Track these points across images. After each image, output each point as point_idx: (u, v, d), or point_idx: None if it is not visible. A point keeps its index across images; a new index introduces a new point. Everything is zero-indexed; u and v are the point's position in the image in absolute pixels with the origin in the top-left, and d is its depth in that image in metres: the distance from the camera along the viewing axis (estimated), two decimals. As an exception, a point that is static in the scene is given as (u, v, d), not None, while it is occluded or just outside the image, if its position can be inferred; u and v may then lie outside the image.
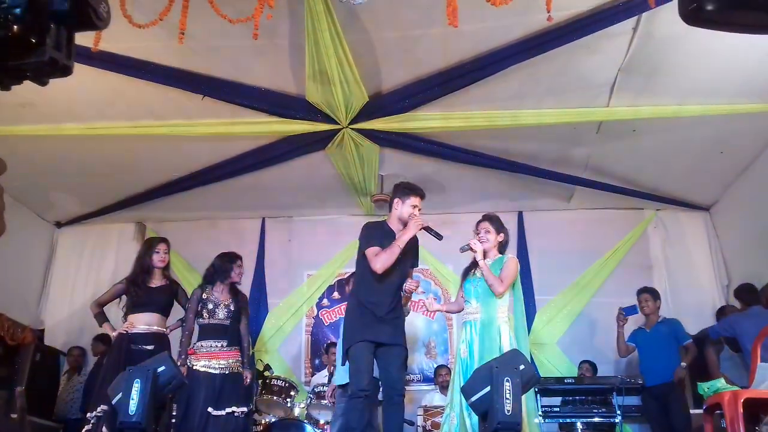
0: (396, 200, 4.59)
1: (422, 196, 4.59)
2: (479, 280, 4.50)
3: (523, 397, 3.98)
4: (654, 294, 6.48)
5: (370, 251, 4.38)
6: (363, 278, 4.49)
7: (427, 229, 4.45)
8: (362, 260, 4.48)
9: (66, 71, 0.80)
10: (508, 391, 3.45)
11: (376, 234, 4.48)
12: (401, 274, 4.46)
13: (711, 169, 6.86)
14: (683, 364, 6.02)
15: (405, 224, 4.47)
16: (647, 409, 6.22)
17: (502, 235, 4.66)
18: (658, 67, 5.19)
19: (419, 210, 4.51)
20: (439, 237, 4.47)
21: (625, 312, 6.42)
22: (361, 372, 4.24)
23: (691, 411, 6.02)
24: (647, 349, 6.28)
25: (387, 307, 4.35)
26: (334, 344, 6.97)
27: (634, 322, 6.59)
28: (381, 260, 4.32)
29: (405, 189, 4.61)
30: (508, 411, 3.43)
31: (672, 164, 6.77)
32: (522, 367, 3.64)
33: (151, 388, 3.81)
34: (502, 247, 4.68)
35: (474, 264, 4.59)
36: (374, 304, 4.36)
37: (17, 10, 0.75)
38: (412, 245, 4.55)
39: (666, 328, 6.28)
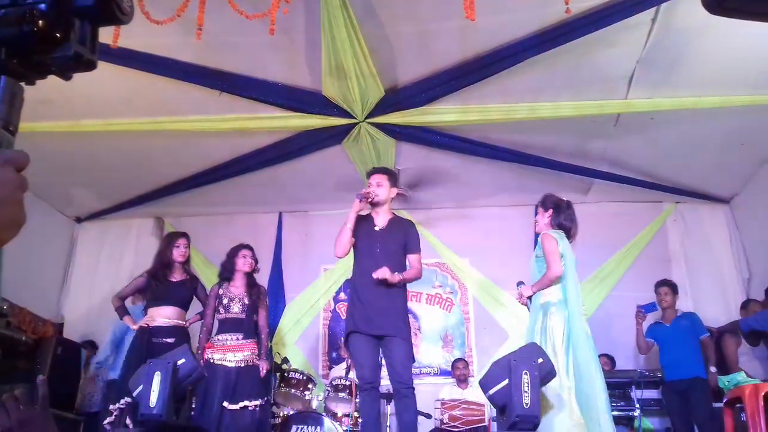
0: None
1: (376, 172, 4.65)
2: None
3: (600, 391, 3.96)
4: (673, 287, 6.40)
5: None
6: (353, 269, 4.53)
7: (365, 195, 4.41)
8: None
9: (90, 65, 0.81)
10: (526, 384, 3.44)
11: (359, 224, 4.51)
12: (387, 261, 4.33)
13: (731, 162, 6.78)
14: (712, 369, 5.95)
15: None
16: (669, 403, 6.17)
17: (550, 212, 4.61)
18: (677, 58, 5.14)
19: (378, 184, 4.51)
20: (369, 196, 4.43)
21: (644, 309, 6.35)
22: (361, 365, 4.27)
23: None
24: (668, 343, 6.22)
25: (374, 297, 4.28)
26: None
27: (650, 317, 6.53)
28: (334, 244, 4.39)
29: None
30: (527, 404, 3.43)
31: (691, 156, 6.70)
32: (540, 360, 3.64)
33: (172, 381, 3.86)
34: (557, 226, 4.57)
35: None
36: (362, 293, 4.34)
37: (42, 6, 0.76)
38: (401, 230, 4.52)
39: (686, 322, 6.21)
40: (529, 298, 4.46)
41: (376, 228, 4.46)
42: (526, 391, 3.46)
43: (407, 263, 4.49)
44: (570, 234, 4.54)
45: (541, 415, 3.51)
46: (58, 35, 0.78)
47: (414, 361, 4.46)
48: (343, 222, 4.46)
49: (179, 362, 3.98)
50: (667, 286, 6.40)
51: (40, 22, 0.77)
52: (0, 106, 0.78)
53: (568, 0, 3.71)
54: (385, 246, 4.42)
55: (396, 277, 4.20)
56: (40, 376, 1.48)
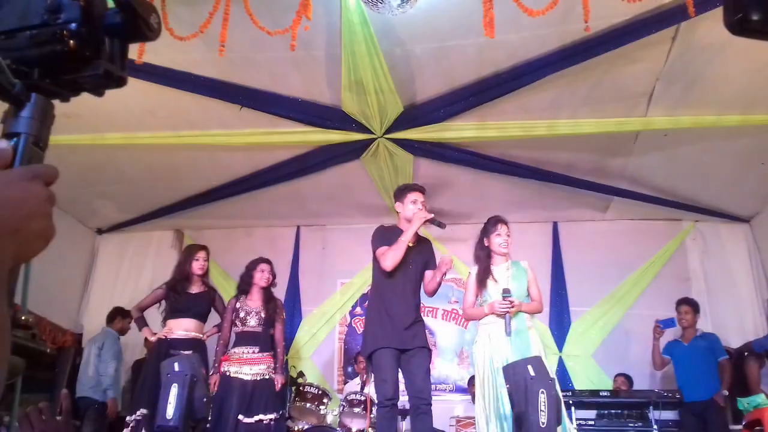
0: (396, 204, 4.63)
1: (419, 190, 4.59)
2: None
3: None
4: (694, 306, 6.33)
5: (379, 251, 4.42)
6: (379, 282, 4.50)
7: (431, 220, 4.41)
8: (375, 263, 4.50)
9: (121, 82, 0.83)
10: (543, 404, 3.42)
11: (386, 235, 4.49)
12: (416, 277, 4.45)
13: (751, 181, 6.71)
14: (724, 391, 5.87)
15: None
16: (686, 425, 6.09)
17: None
18: (697, 76, 5.12)
19: (422, 203, 4.50)
20: (442, 226, 4.47)
21: (662, 325, 6.30)
22: (385, 381, 4.23)
23: (731, 427, 5.89)
24: (685, 363, 6.15)
25: (404, 312, 4.32)
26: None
27: (669, 333, 6.46)
28: (389, 257, 4.33)
29: (400, 190, 4.67)
30: (543, 423, 3.41)
31: (711, 175, 6.66)
32: (553, 377, 3.62)
33: (188, 394, 3.88)
34: None
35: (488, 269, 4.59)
36: (391, 308, 4.34)
37: (72, 25, 0.78)
38: (426, 248, 4.58)
39: (705, 343, 6.14)
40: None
41: (409, 244, 4.48)
42: (543, 410, 3.43)
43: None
44: None
45: None
46: (88, 54, 0.80)
47: (431, 376, 4.49)
48: (380, 233, 4.52)
49: (176, 368, 3.99)
50: (689, 305, 6.33)
51: (71, 41, 0.79)
52: (31, 122, 0.80)
53: (587, 18, 3.71)
54: (416, 263, 4.47)
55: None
56: (64, 390, 1.51)
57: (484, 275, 4.56)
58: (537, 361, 3.86)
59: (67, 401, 1.54)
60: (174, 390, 3.86)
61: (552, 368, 4.24)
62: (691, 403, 5.97)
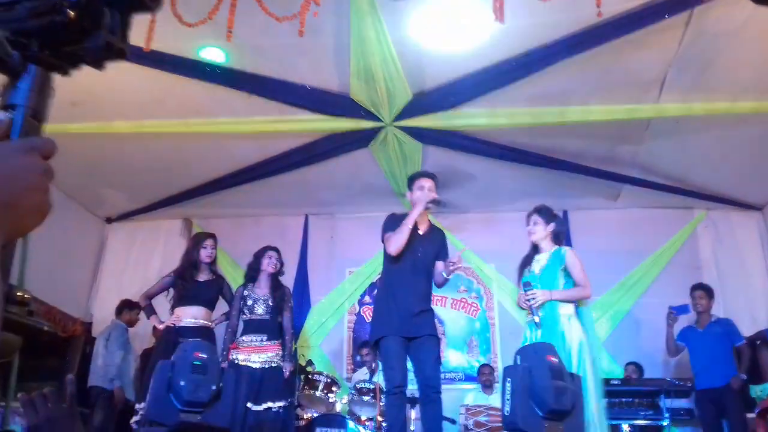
0: (407, 193, 4.62)
1: (428, 176, 4.56)
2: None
3: (594, 395, 3.93)
4: (709, 291, 6.27)
5: (386, 236, 4.42)
6: (387, 270, 4.49)
7: (433, 201, 4.39)
8: (384, 251, 4.50)
9: (121, 54, 0.81)
10: (507, 392, 3.40)
11: (396, 222, 4.45)
12: (425, 266, 4.40)
13: (764, 168, 6.64)
14: (743, 376, 5.79)
15: None
16: (701, 412, 6.04)
17: (552, 225, 4.53)
18: (710, 62, 5.06)
19: (429, 188, 4.45)
20: (438, 203, 4.43)
21: (676, 311, 6.23)
22: (393, 368, 4.21)
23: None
24: (700, 349, 6.09)
25: (412, 300, 4.28)
26: (365, 343, 7.02)
27: (683, 320, 6.41)
28: (391, 241, 4.33)
29: (410, 179, 4.65)
30: (507, 412, 3.37)
31: (723, 163, 6.59)
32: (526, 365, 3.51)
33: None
34: (555, 238, 4.53)
35: (529, 259, 4.54)
36: (399, 296, 4.32)
37: None
38: (438, 237, 4.53)
39: (720, 329, 6.07)
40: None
41: (419, 231, 4.45)
42: (507, 399, 3.40)
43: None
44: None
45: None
46: (88, 25, 0.78)
47: (440, 364, 4.45)
48: (389, 220, 4.47)
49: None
50: (703, 290, 6.27)
51: (71, 12, 0.76)
52: (29, 94, 0.78)
53: (599, 3, 3.65)
54: (426, 250, 4.43)
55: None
56: (69, 375, 1.49)
57: (521, 266, 4.57)
58: (530, 349, 3.74)
59: (72, 387, 1.53)
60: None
61: (588, 359, 4.09)
62: (706, 389, 5.91)
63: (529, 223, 4.59)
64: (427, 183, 4.48)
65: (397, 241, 4.31)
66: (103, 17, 0.80)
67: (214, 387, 3.34)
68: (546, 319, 4.22)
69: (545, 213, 4.59)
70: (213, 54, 5.05)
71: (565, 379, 3.36)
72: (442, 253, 4.51)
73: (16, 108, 0.78)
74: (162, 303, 5.54)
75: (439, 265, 4.43)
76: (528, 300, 4.26)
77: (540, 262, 4.48)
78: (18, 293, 0.78)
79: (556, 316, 4.21)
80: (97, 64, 0.85)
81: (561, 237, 4.58)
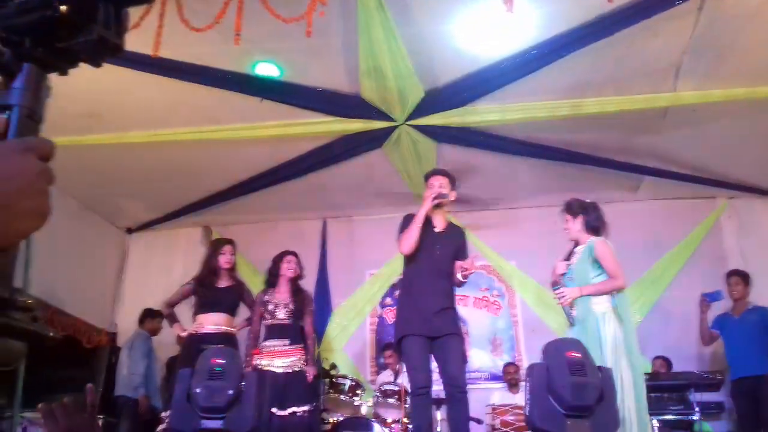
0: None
1: (437, 173, 4.53)
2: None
3: (632, 392, 3.84)
4: (744, 277, 6.12)
5: (400, 237, 4.40)
6: (407, 270, 4.46)
7: (438, 196, 4.34)
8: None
9: (117, 50, 0.79)
10: (528, 391, 3.38)
11: (408, 222, 4.42)
12: (444, 263, 4.33)
13: (786, 154, 6.53)
14: None
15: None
16: (736, 401, 5.93)
17: (581, 217, 4.40)
18: (726, 48, 4.97)
19: (439, 185, 4.41)
20: (443, 196, 4.36)
21: (708, 298, 6.10)
22: (416, 369, 4.16)
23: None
24: (735, 337, 5.96)
25: (433, 299, 4.23)
26: (389, 346, 6.99)
27: (719, 308, 6.28)
28: (402, 240, 4.32)
29: (424, 179, 4.63)
30: (527, 411, 3.37)
31: (744, 149, 6.48)
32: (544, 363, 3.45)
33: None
34: (591, 229, 4.37)
35: (569, 254, 4.45)
36: (419, 295, 4.27)
37: None
38: (457, 235, 4.47)
39: (756, 317, 5.92)
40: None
41: (436, 230, 4.42)
42: (528, 398, 3.36)
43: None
44: (602, 235, 4.38)
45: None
46: (80, 19, 0.76)
47: (467, 362, 4.38)
48: (405, 220, 4.42)
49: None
50: (738, 276, 6.14)
51: (63, 7, 0.75)
52: (24, 94, 0.76)
53: (610, -11, 3.61)
54: (444, 248, 4.37)
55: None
56: (89, 384, 1.48)
57: (564, 261, 4.45)
58: (552, 346, 3.64)
59: (92, 396, 1.52)
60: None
61: (624, 354, 3.98)
62: (741, 378, 5.80)
63: (564, 221, 4.51)
64: (436, 181, 4.45)
65: (407, 240, 4.29)
66: (96, 11, 0.78)
67: (231, 392, 3.32)
68: (579, 315, 4.15)
69: (572, 207, 4.50)
70: (267, 70, 5.22)
71: (589, 374, 3.28)
72: (461, 251, 4.44)
73: (11, 109, 0.76)
74: (185, 311, 5.56)
75: (456, 266, 4.37)
76: (557, 299, 4.23)
77: (576, 255, 4.38)
78: (21, 298, 0.76)
79: (588, 312, 4.11)
80: (93, 60, 0.83)
81: (598, 226, 4.38)
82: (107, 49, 0.80)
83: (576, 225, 4.41)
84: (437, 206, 4.42)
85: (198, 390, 3.33)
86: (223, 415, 3.28)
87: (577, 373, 3.23)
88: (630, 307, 4.61)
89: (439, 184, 4.43)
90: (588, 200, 4.55)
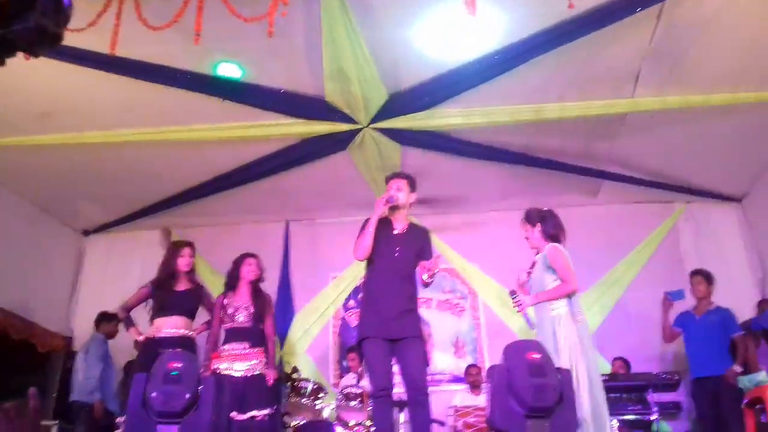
0: None
1: (393, 177, 4.48)
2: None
3: (587, 392, 3.89)
4: (708, 277, 6.13)
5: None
6: (367, 272, 4.40)
7: (388, 199, 4.30)
8: None
9: (56, 39, 0.76)
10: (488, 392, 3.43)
11: (364, 227, 4.39)
12: (405, 266, 4.27)
13: (742, 160, 6.70)
14: (736, 368, 5.66)
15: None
16: (696, 401, 6.00)
17: (539, 225, 4.49)
18: (684, 55, 5.08)
19: (396, 189, 4.36)
20: (391, 200, 4.30)
21: (671, 297, 6.15)
22: (374, 371, 4.14)
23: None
24: (696, 337, 6.01)
25: (392, 302, 4.17)
26: (352, 348, 6.97)
27: (682, 306, 6.33)
28: (355, 247, 4.29)
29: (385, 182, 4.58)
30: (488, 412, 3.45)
31: (701, 155, 6.62)
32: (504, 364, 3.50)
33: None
34: (549, 237, 4.45)
35: (532, 262, 4.54)
36: (378, 298, 4.24)
37: None
38: (418, 236, 4.41)
39: (717, 318, 5.95)
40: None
41: (395, 232, 4.37)
42: (489, 399, 3.41)
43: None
44: (560, 242, 4.48)
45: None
46: (17, 7, 0.73)
47: (429, 365, 4.35)
48: (364, 225, 4.36)
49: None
50: (701, 275, 6.15)
51: (-1, -7, 0.72)
52: None
53: (570, -5, 3.64)
54: (404, 250, 4.31)
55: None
56: (32, 388, 1.43)
57: (528, 271, 4.56)
58: (512, 347, 3.66)
59: (35, 401, 1.47)
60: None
61: (580, 357, 4.05)
62: (701, 378, 5.86)
63: (523, 230, 4.61)
64: (394, 183, 4.43)
65: (359, 246, 4.27)
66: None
67: (187, 396, 3.25)
68: (537, 320, 4.28)
69: (530, 217, 4.59)
70: (229, 70, 5.16)
71: (548, 375, 3.31)
72: (424, 251, 4.35)
73: None
74: (143, 314, 5.45)
75: (420, 267, 4.35)
76: (515, 307, 4.34)
77: (536, 263, 4.47)
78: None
79: (544, 316, 4.23)
80: (31, 49, 0.80)
81: (556, 233, 4.47)
82: (46, 39, 0.77)
83: (535, 234, 4.50)
84: (394, 208, 4.40)
85: (153, 394, 3.25)
86: (179, 420, 3.21)
87: (537, 375, 3.27)
88: (584, 310, 4.77)
89: (397, 186, 4.40)
90: (545, 208, 4.62)
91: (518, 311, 4.36)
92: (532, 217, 4.57)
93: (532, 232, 4.52)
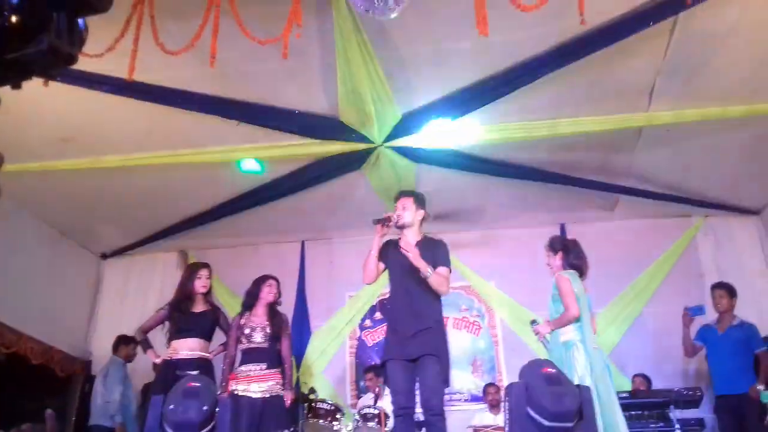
0: None
1: (402, 195, 4.60)
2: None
3: (622, 419, 4.12)
4: (730, 290, 6.02)
5: None
6: (389, 293, 4.54)
7: (381, 220, 4.36)
8: None
9: (70, 60, 0.76)
10: (507, 410, 3.49)
11: (383, 248, 4.47)
12: (417, 284, 4.24)
13: (760, 172, 6.61)
14: (760, 386, 5.51)
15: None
16: (719, 417, 5.89)
17: (561, 254, 4.72)
18: (698, 68, 5.04)
19: (404, 208, 4.45)
20: (383, 221, 4.36)
21: (691, 312, 6.05)
22: (395, 391, 4.22)
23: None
24: (719, 353, 5.90)
25: (408, 321, 4.20)
26: (370, 369, 6.93)
27: (704, 318, 6.28)
28: (363, 271, 4.41)
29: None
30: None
31: (719, 168, 6.56)
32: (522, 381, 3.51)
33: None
34: (570, 266, 4.68)
35: None
36: (396, 319, 4.33)
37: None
38: (428, 250, 4.34)
39: (741, 334, 5.83)
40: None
41: (405, 252, 4.36)
42: (507, 418, 3.43)
43: None
44: (582, 272, 4.71)
45: None
46: (31, 29, 0.74)
47: (448, 385, 4.29)
48: (368, 249, 4.41)
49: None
50: (723, 288, 6.05)
51: (13, 17, 0.72)
52: None
53: (582, 9, 3.64)
54: (414, 269, 4.28)
55: (419, 263, 4.12)
56: (48, 410, 1.43)
57: None
58: (527, 366, 3.64)
59: (52, 423, 1.47)
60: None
61: (588, 382, 4.11)
62: (725, 396, 5.75)
63: (546, 257, 4.85)
64: (400, 203, 4.48)
65: (364, 271, 4.40)
66: (48, 21, 0.76)
67: (206, 407, 3.26)
68: (551, 346, 4.53)
69: (552, 244, 4.84)
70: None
71: (565, 385, 3.35)
72: (437, 259, 4.31)
73: None
74: (160, 337, 5.46)
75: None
76: (536, 336, 4.66)
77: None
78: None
79: (557, 344, 4.46)
80: (46, 71, 0.81)
81: (579, 264, 4.71)
82: (60, 60, 0.78)
83: (556, 261, 4.71)
84: (401, 227, 4.42)
85: (171, 407, 3.26)
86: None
87: (554, 383, 3.33)
88: (603, 327, 4.95)
89: (402, 206, 4.43)
90: (570, 238, 4.98)
91: (539, 340, 4.65)
92: (556, 245, 4.82)
93: (553, 259, 4.73)
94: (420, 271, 4.17)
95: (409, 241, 4.34)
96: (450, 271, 4.37)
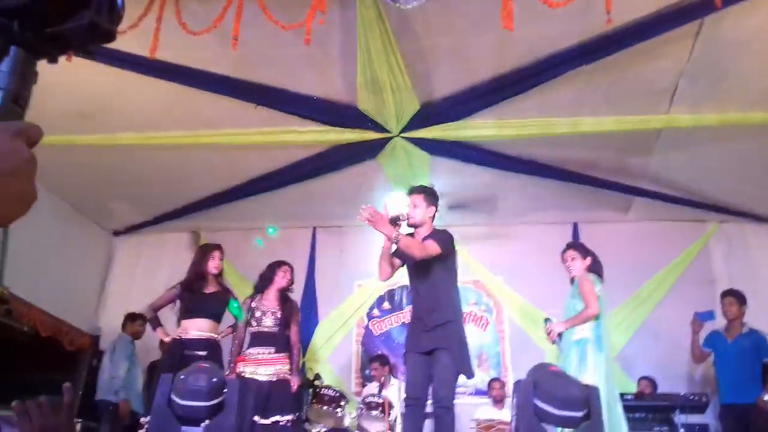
0: None
1: (411, 192, 4.57)
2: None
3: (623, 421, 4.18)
4: (740, 298, 5.98)
5: None
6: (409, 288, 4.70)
7: (392, 219, 4.29)
8: None
9: (109, 36, 0.76)
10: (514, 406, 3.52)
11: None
12: (429, 276, 4.30)
13: (777, 180, 6.55)
14: (767, 397, 5.45)
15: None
16: (724, 425, 5.87)
17: (589, 259, 4.88)
18: (721, 72, 4.99)
19: (415, 206, 4.44)
20: (393, 221, 4.28)
21: (701, 318, 6.02)
22: (409, 382, 4.33)
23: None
24: (727, 361, 5.87)
25: (425, 315, 4.29)
26: (376, 358, 6.94)
27: (712, 324, 6.24)
28: (378, 269, 4.50)
29: None
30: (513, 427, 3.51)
31: (736, 174, 6.50)
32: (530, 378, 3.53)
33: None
34: (593, 272, 4.85)
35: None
36: (415, 312, 4.48)
37: None
38: (435, 239, 4.34)
39: (750, 343, 5.79)
40: (559, 335, 4.74)
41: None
42: (514, 414, 3.46)
43: None
44: (601, 279, 4.91)
45: None
46: (73, 4, 0.73)
47: (470, 376, 4.30)
48: (381, 241, 4.46)
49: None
50: (733, 296, 6.01)
51: (56, -11, 0.72)
52: (9, 78, 0.73)
53: (609, 8, 3.61)
54: (424, 261, 4.28)
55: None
56: (66, 383, 1.43)
57: None
58: (535, 366, 3.66)
59: (69, 396, 1.47)
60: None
61: (597, 382, 4.12)
62: (731, 404, 5.72)
63: (566, 260, 4.93)
64: (408, 200, 4.48)
65: (378, 271, 4.51)
66: None
67: (215, 379, 3.31)
68: (562, 344, 4.68)
69: (581, 248, 5.00)
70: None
71: (572, 379, 3.46)
72: (433, 238, 4.31)
73: None
74: (169, 316, 5.50)
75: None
76: (547, 335, 4.76)
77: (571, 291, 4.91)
78: (-3, 290, 0.73)
79: (569, 342, 4.61)
80: (84, 47, 0.80)
81: (600, 272, 4.92)
82: (99, 36, 0.77)
83: (584, 264, 4.86)
84: (413, 225, 4.43)
85: (182, 377, 3.30)
86: (203, 423, 3.23)
87: (561, 377, 3.44)
88: (611, 328, 5.02)
89: (413, 204, 4.43)
90: (581, 241, 5.39)
91: (549, 340, 4.75)
92: (584, 249, 4.98)
93: (581, 261, 4.86)
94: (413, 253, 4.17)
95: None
96: (441, 252, 4.25)
